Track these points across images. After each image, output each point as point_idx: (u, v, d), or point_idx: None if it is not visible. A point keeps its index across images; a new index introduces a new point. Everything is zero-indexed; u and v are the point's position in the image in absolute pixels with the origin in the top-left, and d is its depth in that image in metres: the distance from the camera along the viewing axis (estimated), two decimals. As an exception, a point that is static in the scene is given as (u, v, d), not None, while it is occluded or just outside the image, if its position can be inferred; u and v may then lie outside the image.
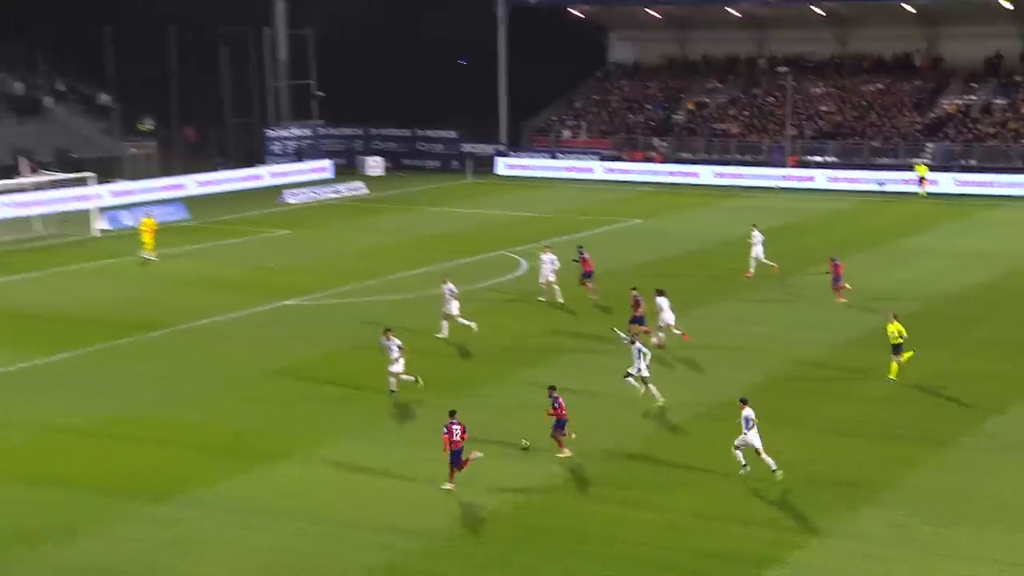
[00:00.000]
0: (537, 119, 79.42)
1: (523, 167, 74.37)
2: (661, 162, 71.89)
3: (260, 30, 73.31)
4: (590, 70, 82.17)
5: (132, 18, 69.05)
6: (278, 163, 72.92)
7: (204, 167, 68.06)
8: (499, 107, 78.18)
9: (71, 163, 64.83)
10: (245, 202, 61.79)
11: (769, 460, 22.98)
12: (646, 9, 78.36)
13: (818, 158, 68.94)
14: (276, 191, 64.25)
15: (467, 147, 76.66)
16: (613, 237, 52.29)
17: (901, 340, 28.49)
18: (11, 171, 60.41)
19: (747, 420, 23.05)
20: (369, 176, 72.84)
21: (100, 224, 52.40)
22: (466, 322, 33.11)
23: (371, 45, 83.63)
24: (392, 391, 28.06)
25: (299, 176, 70.29)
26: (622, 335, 28.59)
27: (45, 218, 51.54)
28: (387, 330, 28.45)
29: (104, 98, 74.02)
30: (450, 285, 33.49)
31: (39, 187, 53.12)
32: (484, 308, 36.92)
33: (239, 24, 70.55)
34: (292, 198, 62.85)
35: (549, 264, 37.52)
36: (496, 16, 77.89)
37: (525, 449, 24.66)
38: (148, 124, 74.36)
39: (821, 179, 66.73)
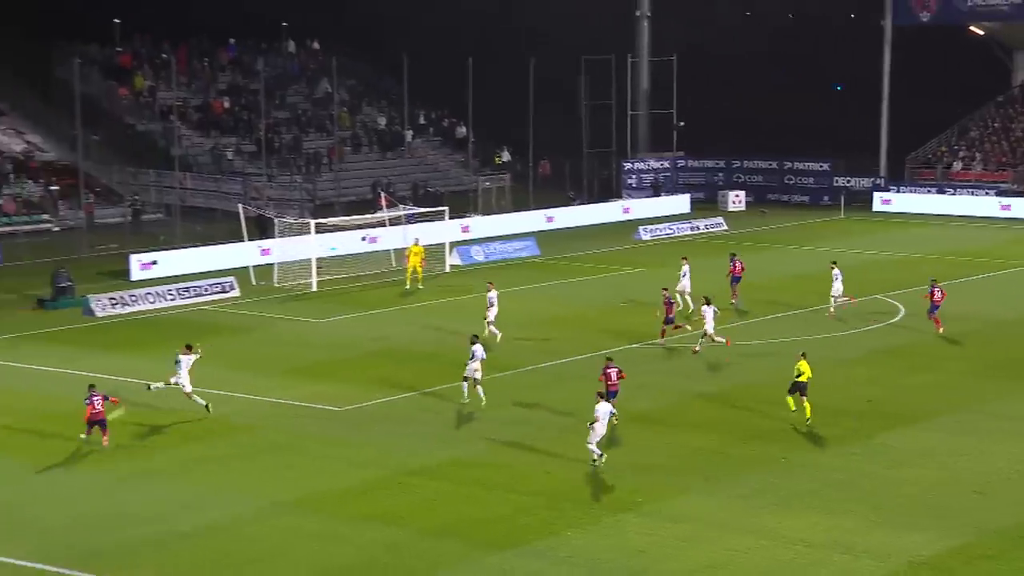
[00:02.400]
0: (922, 150, 76.37)
1: (904, 203, 71.70)
2: (1070, 198, 67.49)
3: (623, 57, 74.77)
4: (989, 95, 78.13)
5: (493, 51, 72.33)
6: (634, 197, 73.89)
7: (557, 201, 70.03)
8: (880, 136, 75.82)
9: (427, 197, 68.56)
10: (598, 238, 63.04)
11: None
12: (1060, 23, 73.94)
13: None
14: (630, 227, 65.24)
15: (841, 180, 74.83)
16: (1009, 282, 49.53)
17: (806, 380, 30.10)
18: (372, 205, 64.74)
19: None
20: (730, 211, 72.47)
21: (452, 259, 54.90)
22: (495, 331, 36.44)
23: (736, 71, 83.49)
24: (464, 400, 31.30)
25: (655, 211, 70.91)
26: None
27: (398, 252, 54.58)
28: (474, 336, 31.82)
29: (462, 131, 77.94)
30: (493, 292, 38.30)
31: (395, 222, 56.31)
32: (854, 359, 36.12)
33: (599, 52, 72.25)
34: (647, 234, 63.53)
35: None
36: (882, 36, 75.59)
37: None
38: (504, 157, 77.51)
39: None
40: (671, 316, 37.42)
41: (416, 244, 49.54)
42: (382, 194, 59.43)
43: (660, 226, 65.11)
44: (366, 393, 33.38)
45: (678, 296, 41.67)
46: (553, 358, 37.09)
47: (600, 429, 26.80)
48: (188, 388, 30.76)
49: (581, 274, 51.99)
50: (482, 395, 31.57)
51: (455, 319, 42.53)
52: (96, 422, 28.65)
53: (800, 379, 30.22)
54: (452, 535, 23.76)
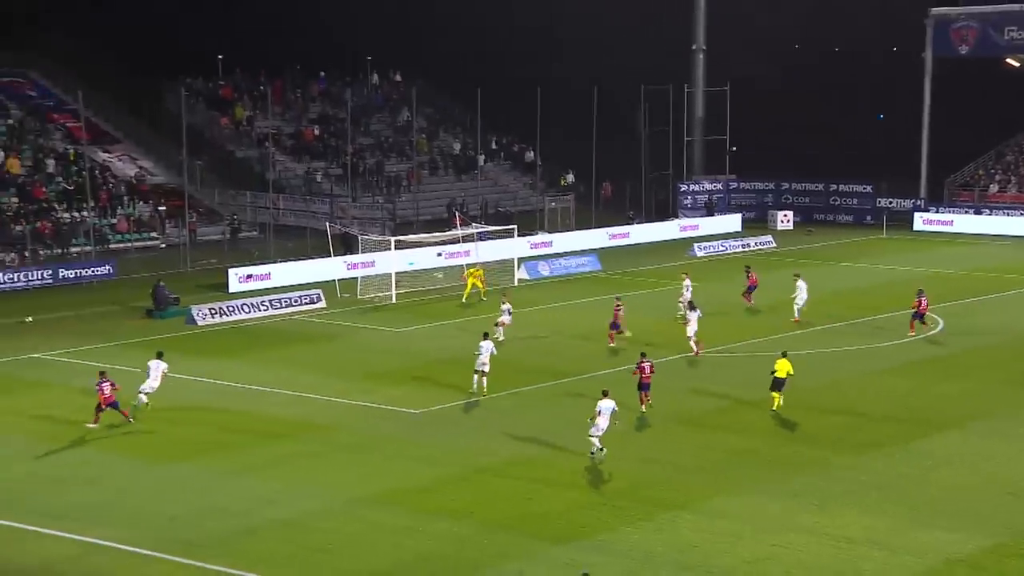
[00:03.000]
0: (960, 174, 75.05)
1: (943, 223, 70.55)
2: (1101, 218, 66.03)
3: (680, 87, 74.42)
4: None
5: (561, 81, 72.40)
6: (689, 217, 73.48)
7: (618, 221, 69.75)
8: (920, 160, 74.60)
9: (498, 216, 68.67)
10: (655, 254, 62.69)
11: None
12: (1089, 55, 72.32)
13: None
14: (686, 244, 64.80)
15: (883, 201, 73.81)
16: (1040, 298, 48.68)
17: (786, 376, 30.76)
18: (446, 224, 64.93)
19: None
20: (778, 230, 71.71)
21: (520, 274, 54.89)
22: (501, 337, 38.00)
23: (785, 101, 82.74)
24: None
25: (709, 229, 70.45)
26: None
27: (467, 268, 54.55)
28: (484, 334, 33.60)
29: (530, 155, 78.01)
30: (508, 305, 40.23)
31: (468, 239, 56.41)
32: (892, 369, 35.65)
33: (658, 82, 72.03)
34: (701, 251, 63.12)
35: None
36: (923, 67, 74.45)
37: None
38: (569, 179, 77.47)
39: None
40: (615, 322, 39.57)
41: (475, 267, 49.70)
42: (456, 213, 59.60)
43: (713, 243, 64.69)
44: (438, 397, 33.41)
45: (681, 306, 42.10)
46: (612, 365, 36.92)
47: (602, 423, 27.09)
48: (147, 389, 30.37)
49: (640, 287, 51.72)
50: (484, 386, 32.94)
51: (516, 329, 42.47)
52: (109, 405, 29.67)
53: (778, 375, 31.04)
54: (515, 529, 23.66)
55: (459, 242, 56.15)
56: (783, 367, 31.49)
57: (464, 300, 47.61)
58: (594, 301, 48.70)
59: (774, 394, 31.45)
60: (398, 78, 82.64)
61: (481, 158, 76.42)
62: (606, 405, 27.32)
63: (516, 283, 53.77)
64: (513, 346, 39.75)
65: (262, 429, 30.45)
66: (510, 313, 40.64)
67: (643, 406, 30.98)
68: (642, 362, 31.25)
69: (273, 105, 69.21)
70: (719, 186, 77.14)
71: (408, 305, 48.56)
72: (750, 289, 46.05)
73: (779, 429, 30.01)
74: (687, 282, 44.23)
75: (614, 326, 39.77)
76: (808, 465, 27.13)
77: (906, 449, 28.31)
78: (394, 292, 49.52)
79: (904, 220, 71.64)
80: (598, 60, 78.44)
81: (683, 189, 75.48)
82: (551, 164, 78.81)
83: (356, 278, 51.17)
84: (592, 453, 27.06)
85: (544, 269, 56.75)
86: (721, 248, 64.03)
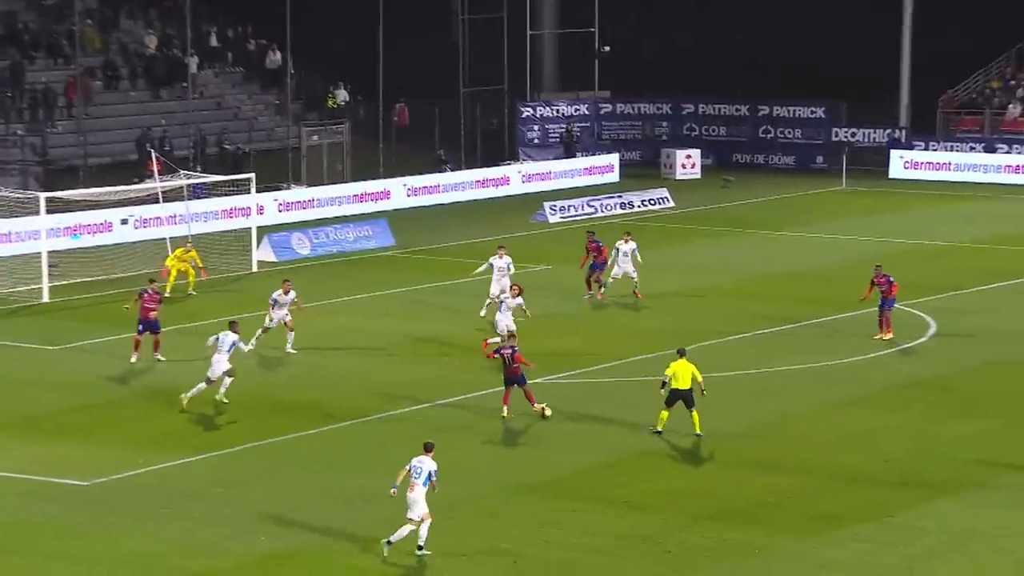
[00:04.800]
0: (963, 88, 77.64)
1: (935, 165, 73.18)
2: None
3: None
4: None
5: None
6: (535, 159, 73.87)
7: (421, 166, 69.69)
8: (900, 70, 76.88)
9: (224, 158, 67.76)
10: (481, 220, 62.80)
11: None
12: None
13: None
14: (531, 203, 65.10)
15: (842, 134, 75.83)
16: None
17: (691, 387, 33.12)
18: (136, 169, 63.83)
19: None
20: (678, 180, 72.77)
21: (260, 254, 54.36)
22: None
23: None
24: None
25: (567, 180, 71.00)
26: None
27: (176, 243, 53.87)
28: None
29: (275, 58, 77.37)
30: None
31: (172, 195, 55.60)
32: (862, 398, 36.82)
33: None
34: (555, 214, 63.58)
35: None
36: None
37: None
38: (340, 98, 77.12)
39: None
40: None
41: (186, 249, 49.50)
42: (153, 154, 58.68)
43: (575, 202, 65.23)
44: (129, 457, 32.87)
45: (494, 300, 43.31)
46: (404, 403, 36.95)
47: (415, 496, 27.37)
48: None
49: (454, 273, 51.69)
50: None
51: (264, 347, 42.20)
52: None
53: (677, 386, 32.90)
54: None
55: (159, 202, 55.37)
56: (683, 372, 32.80)
57: (167, 293, 47.09)
58: (381, 298, 48.55)
59: (665, 412, 33.29)
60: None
61: (193, 62, 75.42)
62: (421, 465, 27.39)
63: (255, 267, 53.41)
64: (263, 373, 39.73)
65: None
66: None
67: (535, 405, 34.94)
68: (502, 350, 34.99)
69: None
70: (584, 109, 77.89)
71: (70, 306, 47.88)
72: (594, 267, 47.20)
73: (684, 499, 30.36)
74: (500, 260, 44.39)
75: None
76: (731, 556, 27.50)
77: (887, 527, 28.96)
78: (46, 284, 48.78)
79: (876, 162, 73.63)
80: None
81: (526, 115, 76.00)
82: (310, 73, 78.31)
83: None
84: (388, 542, 26.99)
85: (302, 246, 56.47)
86: (588, 210, 64.60)
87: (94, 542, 28.44)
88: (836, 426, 35.02)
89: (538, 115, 76.56)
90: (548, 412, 35.04)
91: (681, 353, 33.56)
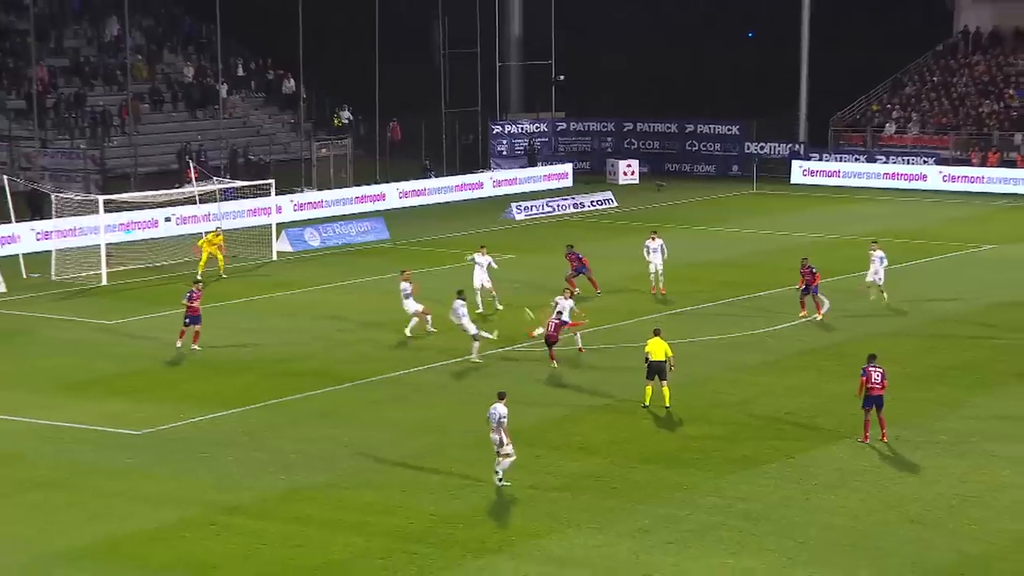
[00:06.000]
0: (849, 110, 77.95)
1: (828, 173, 73.34)
2: (1025, 167, 69.66)
3: (489, -3, 74.83)
4: (927, 43, 79.87)
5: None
6: (504, 167, 73.95)
7: (411, 173, 69.73)
8: (799, 94, 77.15)
9: (248, 167, 67.68)
10: (461, 218, 62.94)
11: None
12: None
13: None
14: (501, 204, 65.25)
15: (753, 147, 76.06)
16: (953, 269, 50.84)
17: (664, 359, 32.52)
18: (177, 176, 63.69)
19: None
20: (620, 184, 72.99)
21: (279, 245, 54.33)
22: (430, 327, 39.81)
23: (629, 13, 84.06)
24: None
25: (531, 184, 71.19)
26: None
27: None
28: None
29: (291, 84, 77.20)
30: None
31: (206, 198, 55.54)
32: (770, 363, 36.95)
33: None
34: (520, 213, 63.70)
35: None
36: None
37: None
38: (344, 117, 76.97)
39: None
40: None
41: (216, 233, 49.29)
42: (191, 164, 58.65)
43: (537, 203, 65.47)
44: (171, 412, 32.82)
45: (477, 294, 42.60)
46: (420, 361, 36.93)
47: (497, 437, 27.60)
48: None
49: (438, 262, 51.77)
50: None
51: (272, 319, 42.45)
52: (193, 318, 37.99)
53: (654, 357, 32.50)
54: (276, 589, 23.40)
55: (195, 203, 55.36)
56: (658, 348, 32.56)
57: (199, 276, 46.92)
58: (374, 281, 48.65)
59: (649, 386, 32.64)
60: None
61: (223, 88, 75.16)
62: (495, 411, 27.56)
63: (275, 256, 53.42)
64: (276, 344, 39.69)
65: (-84, 463, 29.31)
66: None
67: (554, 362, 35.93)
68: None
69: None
70: (543, 127, 78.02)
71: (124, 288, 47.82)
72: (578, 272, 45.12)
73: (624, 446, 30.46)
74: (482, 257, 43.51)
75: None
76: (665, 491, 27.61)
77: (788, 466, 29.13)
78: (104, 271, 48.67)
79: (780, 170, 73.91)
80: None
81: (496, 131, 76.06)
82: (320, 96, 78.16)
83: (49, 252, 50.18)
84: (498, 476, 27.60)
85: (313, 239, 56.42)
86: (547, 209, 64.82)
87: (140, 481, 28.42)
88: (748, 385, 35.21)
89: (506, 131, 76.62)
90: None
91: (656, 332, 33.24)
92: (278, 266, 52.20)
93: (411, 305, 39.68)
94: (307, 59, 70.08)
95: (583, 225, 61.44)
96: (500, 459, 27.62)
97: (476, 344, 37.20)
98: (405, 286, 39.87)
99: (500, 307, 42.74)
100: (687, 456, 29.89)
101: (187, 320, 38.50)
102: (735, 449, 30.25)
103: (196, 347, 38.31)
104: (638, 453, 30.07)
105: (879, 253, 43.71)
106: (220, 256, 49.01)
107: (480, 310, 42.26)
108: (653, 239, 45.72)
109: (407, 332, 39.64)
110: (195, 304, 38.42)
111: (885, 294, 43.54)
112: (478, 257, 43.70)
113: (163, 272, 50.27)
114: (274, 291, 47.29)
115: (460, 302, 37.56)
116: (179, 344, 38.42)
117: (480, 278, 43.16)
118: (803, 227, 60.05)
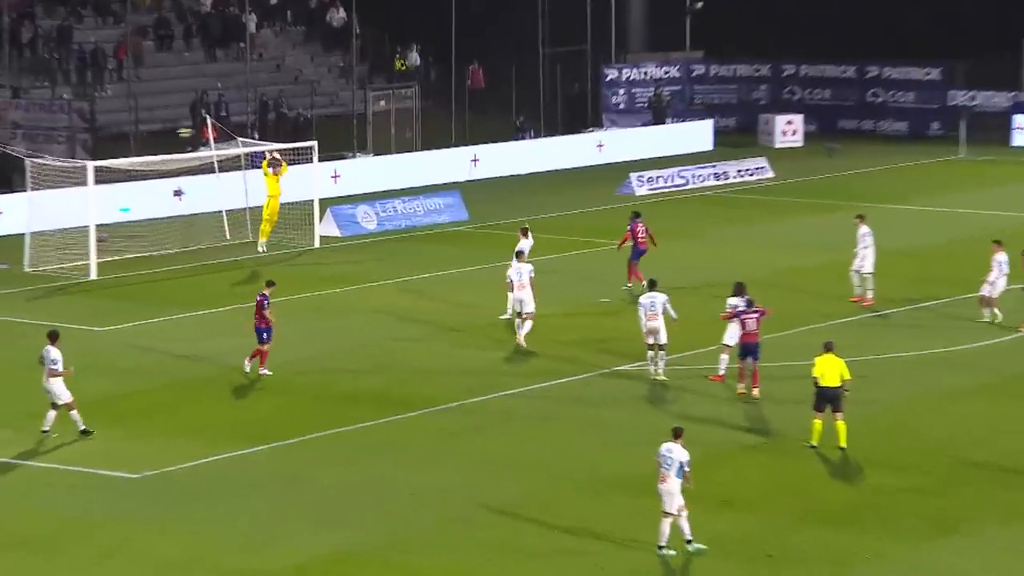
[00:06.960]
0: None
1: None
2: None
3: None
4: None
5: None
6: (620, 125, 73.84)
7: (496, 133, 69.71)
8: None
9: (283, 124, 68.03)
10: (562, 192, 62.93)
11: None
12: None
13: None
14: (617, 174, 65.08)
15: (960, 97, 75.46)
16: None
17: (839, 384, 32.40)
18: (191, 138, 64.18)
19: None
20: (777, 148, 72.63)
21: (323, 228, 54.54)
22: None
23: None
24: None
25: (656, 149, 70.89)
26: None
27: (233, 216, 54.09)
28: None
29: (340, 16, 77.60)
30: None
31: (228, 164, 55.88)
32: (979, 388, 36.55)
33: None
34: (642, 186, 63.49)
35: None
36: None
37: None
38: (411, 59, 77.26)
39: None
40: None
41: (280, 168, 51.25)
42: (208, 120, 59.01)
43: (665, 172, 65.23)
44: (179, 448, 33.08)
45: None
46: (506, 386, 37.02)
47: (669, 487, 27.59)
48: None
49: (537, 252, 51.67)
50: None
51: (314, 323, 42.79)
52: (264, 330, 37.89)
53: (824, 383, 32.24)
54: None
55: (214, 172, 55.62)
56: (832, 369, 32.41)
57: (260, 249, 47.60)
58: (448, 276, 48.67)
59: (818, 419, 32.51)
60: None
61: (252, 21, 75.76)
62: (671, 455, 27.46)
63: (317, 243, 53.70)
64: (319, 358, 40.01)
65: None
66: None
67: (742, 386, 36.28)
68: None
69: None
70: (674, 72, 77.81)
71: (118, 284, 48.27)
72: (637, 254, 46.11)
73: (788, 498, 30.29)
74: (525, 242, 43.91)
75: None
76: (839, 562, 27.46)
77: (1010, 531, 28.86)
78: (93, 261, 49.20)
79: (997, 129, 73.42)
80: None
81: (611, 78, 76.03)
82: (377, 33, 78.49)
83: (23, 236, 50.75)
84: (660, 547, 27.32)
85: (367, 220, 56.70)
86: (678, 182, 64.58)
87: (138, 540, 28.53)
88: (954, 419, 34.96)
89: (624, 78, 76.62)
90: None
91: (828, 347, 32.98)
92: (322, 255, 52.38)
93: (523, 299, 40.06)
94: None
95: (726, 202, 61.14)
96: (680, 518, 27.30)
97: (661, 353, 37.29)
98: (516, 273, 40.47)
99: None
100: (869, 514, 29.64)
101: (264, 336, 38.05)
102: (936, 505, 30.01)
103: (265, 371, 38.19)
104: (802, 509, 29.95)
105: (1001, 256, 42.61)
106: (268, 214, 49.16)
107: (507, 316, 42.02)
108: (860, 223, 44.87)
109: (520, 342, 39.88)
110: (266, 313, 38.03)
111: (999, 311, 42.57)
112: (523, 243, 43.71)
113: (170, 263, 50.62)
114: (317, 288, 47.43)
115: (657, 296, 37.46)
116: (247, 368, 38.16)
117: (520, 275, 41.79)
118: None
